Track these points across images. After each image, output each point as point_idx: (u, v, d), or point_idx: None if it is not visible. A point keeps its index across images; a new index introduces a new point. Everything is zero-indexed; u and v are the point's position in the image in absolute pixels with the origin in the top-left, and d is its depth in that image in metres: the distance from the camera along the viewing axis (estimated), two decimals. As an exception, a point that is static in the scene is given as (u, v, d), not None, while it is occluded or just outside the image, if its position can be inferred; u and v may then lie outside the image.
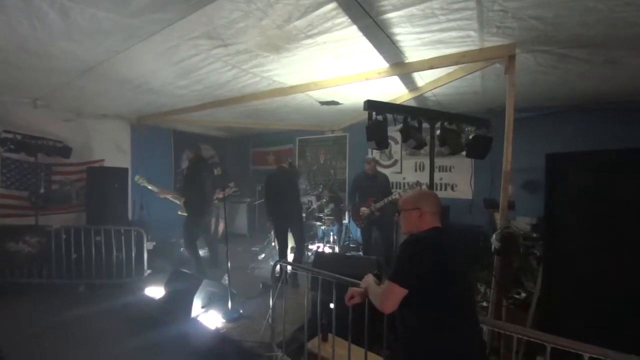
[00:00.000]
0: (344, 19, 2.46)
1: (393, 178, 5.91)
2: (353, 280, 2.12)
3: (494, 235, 2.86)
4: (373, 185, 4.77)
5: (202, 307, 3.29)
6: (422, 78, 3.94)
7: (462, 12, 2.36)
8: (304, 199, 6.84)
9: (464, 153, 3.10)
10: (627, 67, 3.15)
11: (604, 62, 3.06)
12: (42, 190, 4.98)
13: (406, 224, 1.64)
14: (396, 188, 5.87)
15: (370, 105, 2.48)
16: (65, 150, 5.07)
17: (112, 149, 6.00)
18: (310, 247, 5.57)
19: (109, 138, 5.97)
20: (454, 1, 2.23)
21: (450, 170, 5.71)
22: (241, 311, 3.35)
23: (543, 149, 2.66)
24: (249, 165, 8.68)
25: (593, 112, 4.41)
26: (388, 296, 1.43)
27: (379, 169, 5.73)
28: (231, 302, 3.32)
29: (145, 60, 3.32)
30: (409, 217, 1.62)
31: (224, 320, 3.20)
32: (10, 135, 4.51)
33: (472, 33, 2.69)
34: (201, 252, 5.51)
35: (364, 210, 4.72)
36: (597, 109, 4.37)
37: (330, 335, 2.53)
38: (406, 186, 5.88)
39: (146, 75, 3.79)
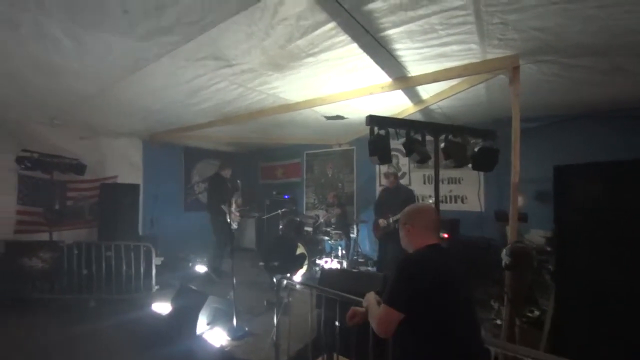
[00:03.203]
0: (344, 37, 2.50)
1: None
2: (356, 298, 2.08)
3: (504, 250, 2.77)
4: (395, 199, 4.73)
5: (208, 324, 3.27)
6: (427, 91, 3.95)
7: (462, 26, 2.38)
8: (312, 213, 6.85)
9: (470, 166, 3.05)
10: (633, 74, 3.08)
11: (609, 69, 3.00)
12: (56, 207, 5.14)
13: (401, 239, 1.66)
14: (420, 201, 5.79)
15: (372, 120, 2.49)
16: (79, 168, 5.24)
17: (125, 165, 6.17)
18: (317, 261, 5.52)
19: (122, 155, 6.16)
20: (453, 16, 2.24)
21: (459, 182, 5.61)
22: (246, 329, 3.32)
23: (555, 158, 2.58)
24: (258, 180, 8.76)
25: (602, 120, 4.31)
26: (384, 321, 1.40)
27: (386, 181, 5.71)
28: (236, 319, 3.29)
29: (155, 81, 3.44)
30: (402, 232, 1.64)
31: (229, 338, 3.17)
32: (27, 154, 4.70)
33: (473, 46, 2.69)
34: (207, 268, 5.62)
35: (381, 222, 4.76)
36: (606, 116, 4.26)
37: (334, 355, 2.46)
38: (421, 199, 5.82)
39: (157, 95, 3.92)
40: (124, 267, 4.39)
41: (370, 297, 1.71)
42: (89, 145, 5.65)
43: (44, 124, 5.00)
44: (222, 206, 5.14)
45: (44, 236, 4.90)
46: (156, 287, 4.47)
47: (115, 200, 5.18)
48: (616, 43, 2.50)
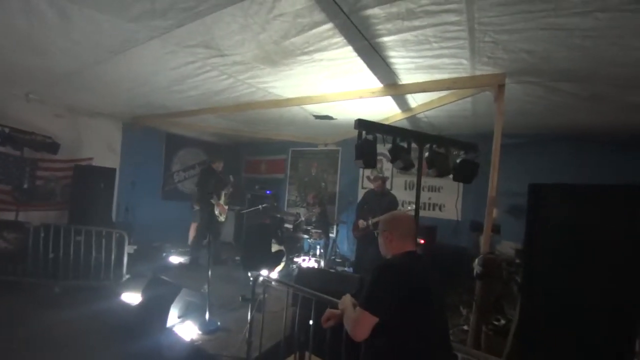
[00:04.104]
0: (340, 39, 2.51)
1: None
2: (332, 299, 2.10)
3: (476, 260, 2.88)
4: (380, 203, 4.82)
5: (179, 317, 3.20)
6: (415, 100, 4.02)
7: (455, 40, 2.44)
8: (293, 211, 6.85)
9: (451, 176, 3.15)
10: (611, 103, 3.26)
11: (589, 96, 3.16)
12: (25, 185, 4.88)
13: (380, 245, 1.69)
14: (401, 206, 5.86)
15: (361, 124, 2.51)
16: (53, 146, 4.99)
17: (102, 147, 5.93)
18: (295, 259, 5.52)
19: (99, 136, 5.91)
20: (447, 30, 2.30)
21: (439, 190, 5.76)
22: (219, 323, 3.28)
23: (531, 175, 2.71)
24: (241, 173, 8.64)
25: (578, 144, 4.54)
26: (359, 324, 1.42)
27: (368, 185, 5.80)
28: (209, 313, 3.25)
29: (143, 63, 3.33)
30: (381, 239, 1.67)
31: (200, 332, 3.12)
32: (-3, 128, 4.43)
33: (464, 61, 2.77)
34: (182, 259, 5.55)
35: (361, 222, 4.82)
36: (583, 140, 4.50)
37: (307, 354, 2.48)
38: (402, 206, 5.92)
39: (142, 78, 3.80)
40: (94, 254, 4.23)
41: (347, 300, 1.73)
42: (64, 124, 5.39)
43: (18, 97, 4.73)
44: (211, 199, 5.19)
45: (10, 215, 4.63)
46: (127, 277, 4.34)
47: (89, 183, 4.97)
48: (598, 72, 2.64)
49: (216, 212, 5.52)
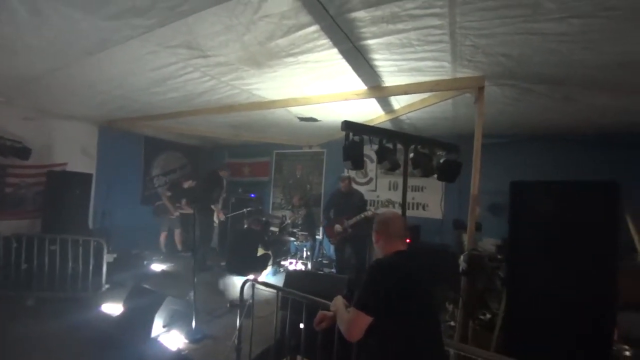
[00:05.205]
0: (325, 41, 2.52)
1: (367, 196, 5.99)
2: (323, 301, 2.09)
3: (461, 257, 2.95)
4: (348, 202, 4.86)
5: (164, 326, 3.10)
6: (398, 102, 4.09)
7: (437, 44, 2.50)
8: (279, 214, 6.80)
9: (435, 176, 3.22)
10: (583, 104, 3.45)
11: (562, 98, 3.33)
12: (-7, 194, 4.59)
13: (373, 244, 1.72)
14: (370, 206, 5.94)
15: (348, 126, 2.53)
16: (23, 152, 4.73)
17: (77, 152, 5.68)
18: (282, 263, 5.48)
19: (74, 141, 5.65)
20: (430, 34, 2.35)
21: (422, 190, 5.88)
22: (205, 331, 3.19)
23: (508, 174, 2.80)
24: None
25: (554, 142, 4.77)
26: (354, 324, 1.42)
27: (355, 186, 5.84)
28: (195, 321, 3.16)
29: (121, 64, 3.20)
30: (374, 238, 1.70)
31: (186, 341, 3.04)
32: (-39, 132, 4.15)
33: (445, 64, 2.85)
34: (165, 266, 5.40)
35: (337, 227, 4.79)
36: (558, 139, 4.72)
37: (298, 358, 2.46)
38: (379, 204, 5.99)
39: (120, 79, 3.66)
40: (70, 263, 4.03)
41: (338, 302, 1.73)
42: (35, 127, 5.11)
43: (-18, 99, 4.46)
44: (212, 205, 5.31)
45: (-24, 226, 4.35)
46: (106, 286, 4.15)
47: (64, 190, 4.73)
48: (570, 75, 2.78)
49: (214, 218, 5.65)
